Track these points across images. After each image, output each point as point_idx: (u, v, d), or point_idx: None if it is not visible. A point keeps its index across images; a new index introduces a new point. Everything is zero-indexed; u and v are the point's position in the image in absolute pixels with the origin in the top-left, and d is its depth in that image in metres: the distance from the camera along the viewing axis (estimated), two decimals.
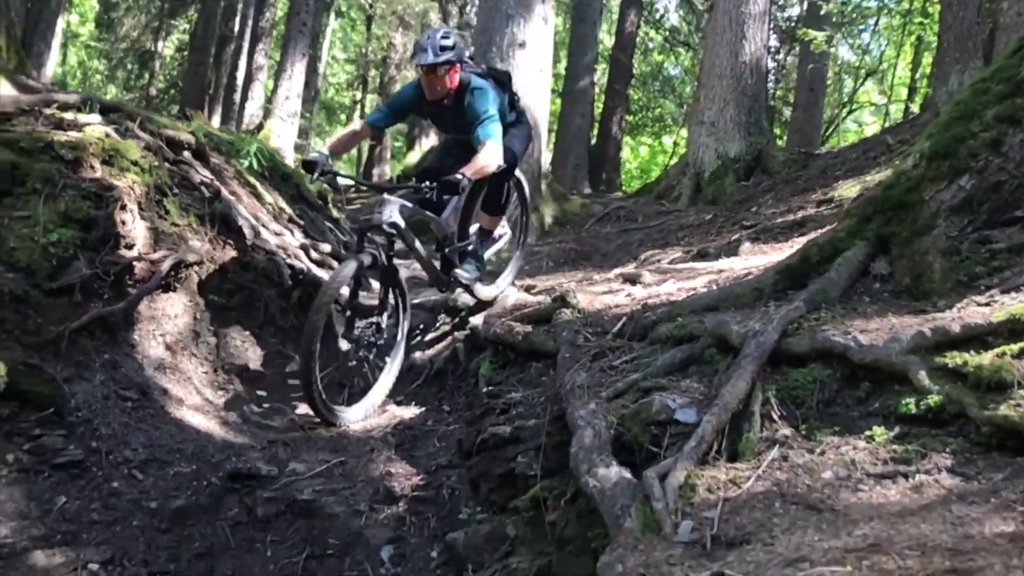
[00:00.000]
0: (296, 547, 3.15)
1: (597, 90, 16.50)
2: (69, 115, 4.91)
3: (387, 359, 4.52)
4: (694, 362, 2.79)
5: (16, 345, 3.27)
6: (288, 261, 5.16)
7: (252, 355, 4.52)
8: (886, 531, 1.71)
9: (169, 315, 4.17)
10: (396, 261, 4.55)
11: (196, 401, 3.93)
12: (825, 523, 1.83)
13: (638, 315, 3.37)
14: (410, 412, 4.42)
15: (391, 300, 4.52)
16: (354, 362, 4.40)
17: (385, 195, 4.41)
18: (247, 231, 4.87)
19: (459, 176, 4.11)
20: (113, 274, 3.90)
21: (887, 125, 15.22)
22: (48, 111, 4.89)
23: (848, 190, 5.45)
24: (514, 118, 4.89)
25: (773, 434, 2.30)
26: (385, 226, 4.30)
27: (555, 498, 2.85)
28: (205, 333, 4.32)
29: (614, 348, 3.19)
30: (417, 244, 4.71)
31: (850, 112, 17.94)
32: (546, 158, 7.50)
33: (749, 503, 2.00)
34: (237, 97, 16.32)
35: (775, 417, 2.36)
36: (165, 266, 4.12)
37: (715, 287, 3.59)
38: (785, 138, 14.31)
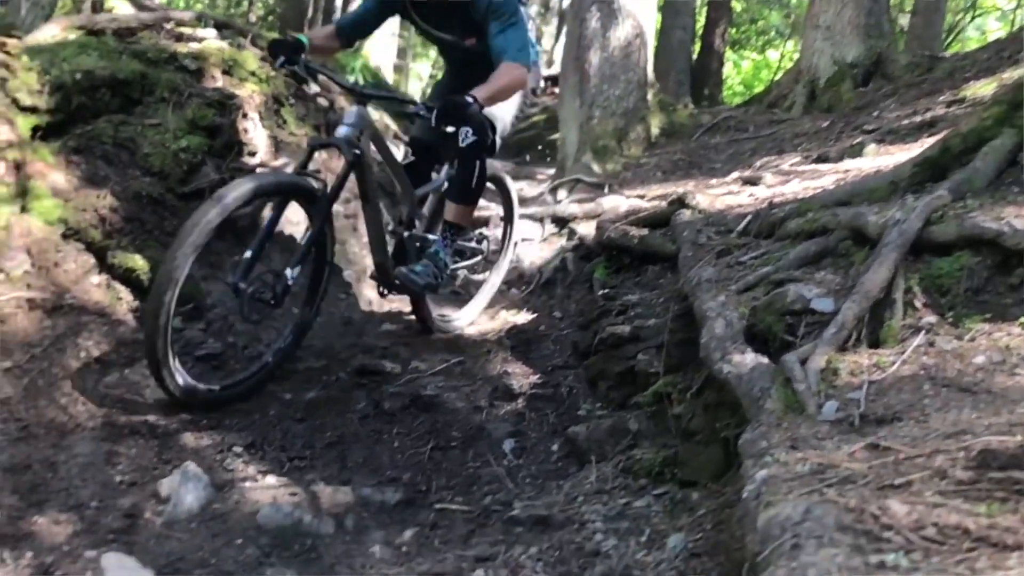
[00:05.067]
0: (421, 439, 3.25)
1: (699, 2, 15.86)
2: (187, 30, 5.04)
3: (277, 338, 3.41)
4: (828, 255, 2.70)
5: (156, 244, 3.43)
6: None
7: (370, 262, 4.62)
8: None
9: (291, 220, 4.28)
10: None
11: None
12: (982, 403, 1.77)
13: (764, 213, 3.28)
14: (522, 318, 4.47)
15: (314, 246, 3.26)
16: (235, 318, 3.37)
17: (354, 105, 3.28)
18: None
19: (468, 98, 3.02)
20: None
21: (1015, 30, 14.15)
22: (167, 26, 5.03)
23: (983, 88, 5.12)
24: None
25: (917, 322, 2.22)
26: (341, 145, 3.15)
27: (679, 392, 2.86)
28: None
29: (739, 245, 3.12)
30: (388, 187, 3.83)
31: (973, 18, 16.74)
32: (651, 66, 7.27)
33: (896, 385, 1.95)
34: (335, 19, 16.38)
35: (918, 305, 2.28)
36: (289, 170, 4.22)
37: (844, 184, 3.46)
38: (903, 46, 13.50)
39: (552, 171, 7.94)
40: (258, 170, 3.91)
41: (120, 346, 3.07)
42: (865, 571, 0.97)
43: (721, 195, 4.00)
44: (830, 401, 1.91)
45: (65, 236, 3.21)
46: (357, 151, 3.18)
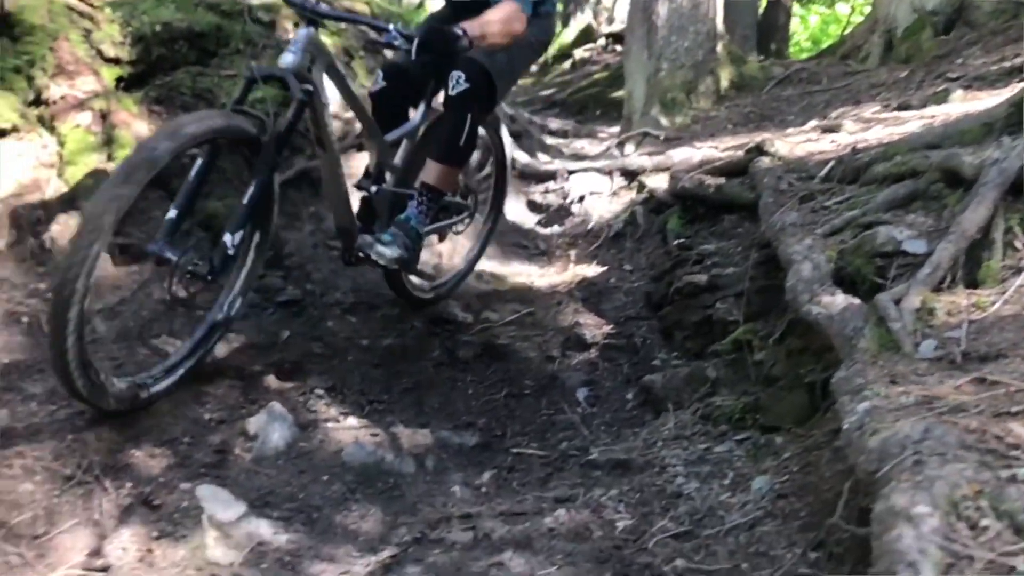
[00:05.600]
0: (495, 387, 3.28)
1: None
2: None
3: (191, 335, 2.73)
4: (918, 197, 2.62)
5: (235, 193, 3.48)
6: None
7: None
8: None
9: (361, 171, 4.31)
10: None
11: None
12: None
13: (848, 158, 3.19)
14: (591, 271, 4.45)
15: (258, 205, 2.61)
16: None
17: (303, 27, 2.63)
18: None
19: (458, 30, 2.63)
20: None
21: None
22: None
23: None
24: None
25: (1017, 262, 2.14)
26: (287, 77, 2.52)
27: (760, 339, 2.82)
28: None
29: (823, 191, 3.04)
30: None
31: None
32: (720, 17, 7.08)
33: (998, 324, 1.89)
34: None
35: (1019, 246, 2.19)
36: (359, 125, 4.24)
37: (934, 128, 3.34)
38: None
39: (614, 129, 7.86)
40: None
41: (204, 291, 3.13)
42: (997, 484, 0.94)
43: (800, 143, 3.90)
44: (927, 340, 1.86)
45: (148, 184, 3.27)
46: (308, 86, 2.58)
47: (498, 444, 2.93)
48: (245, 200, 2.54)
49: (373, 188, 3.11)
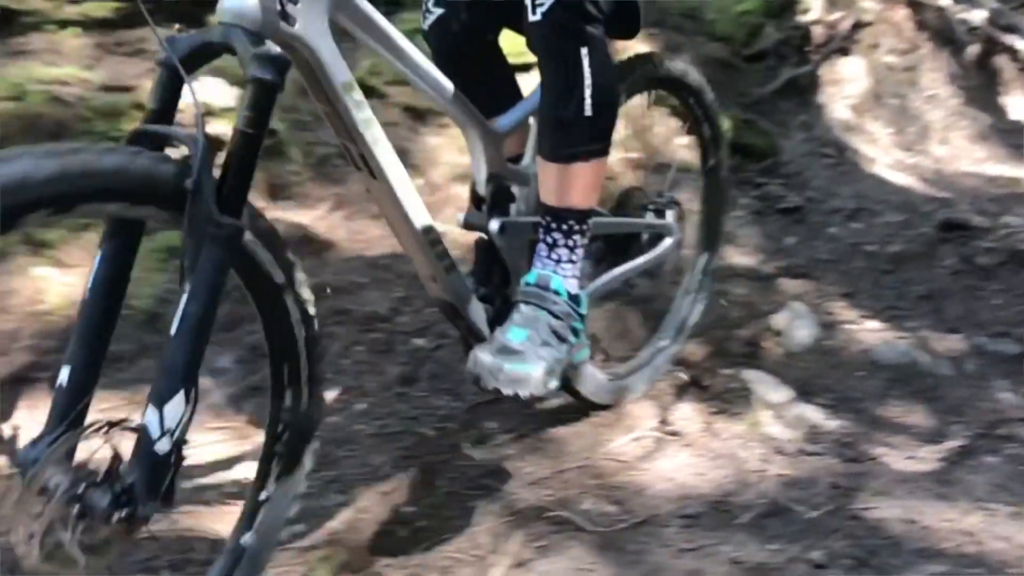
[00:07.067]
0: None
1: None
2: None
3: None
4: None
5: (732, 104, 3.55)
6: (960, 17, 4.68)
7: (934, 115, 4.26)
8: None
9: (848, 78, 4.12)
10: None
11: (888, 160, 3.87)
12: None
13: None
14: None
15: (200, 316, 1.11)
16: None
17: None
18: None
19: None
20: (797, 39, 3.98)
21: None
22: None
23: None
24: None
25: None
26: (236, 38, 1.15)
27: None
28: (885, 95, 4.19)
29: None
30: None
31: None
32: None
33: None
34: None
35: None
36: (843, 27, 4.06)
37: None
38: None
39: None
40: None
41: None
42: None
43: None
44: None
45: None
46: (277, 50, 1.18)
47: None
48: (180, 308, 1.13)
49: (493, 224, 1.69)
